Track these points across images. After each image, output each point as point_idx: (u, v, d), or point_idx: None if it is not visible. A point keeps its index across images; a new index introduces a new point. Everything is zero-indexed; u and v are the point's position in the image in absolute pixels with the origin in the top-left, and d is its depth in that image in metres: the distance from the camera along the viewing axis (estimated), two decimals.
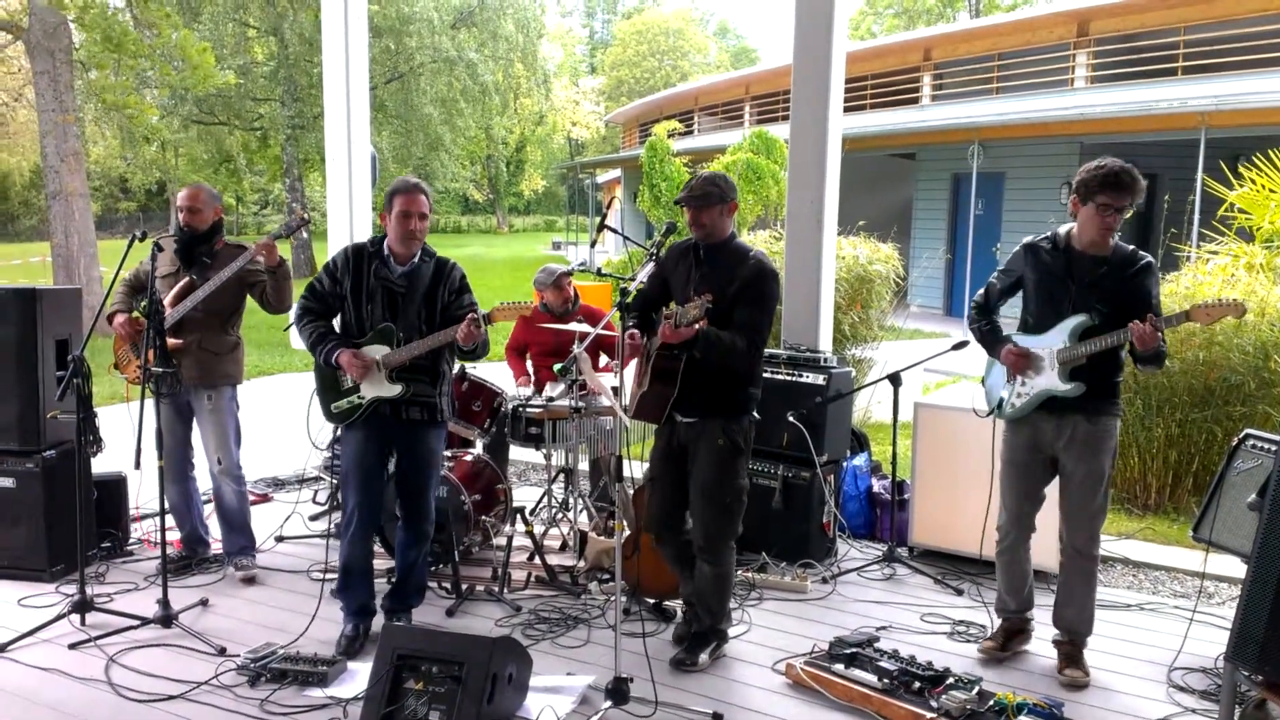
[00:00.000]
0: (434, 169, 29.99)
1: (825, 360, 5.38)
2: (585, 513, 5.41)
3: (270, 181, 34.24)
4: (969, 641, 4.33)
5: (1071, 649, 4.05)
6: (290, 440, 6.76)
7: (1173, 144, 15.91)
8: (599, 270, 5.81)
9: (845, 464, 5.60)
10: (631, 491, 4.55)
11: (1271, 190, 6.93)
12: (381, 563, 4.70)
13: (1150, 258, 3.87)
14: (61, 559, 4.90)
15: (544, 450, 5.50)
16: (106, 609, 4.40)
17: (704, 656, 4.05)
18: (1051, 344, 3.91)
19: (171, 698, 3.73)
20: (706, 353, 3.78)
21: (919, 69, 21.54)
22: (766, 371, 5.30)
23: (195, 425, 5.01)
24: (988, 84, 19.96)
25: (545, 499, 5.75)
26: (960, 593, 4.87)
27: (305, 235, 27.23)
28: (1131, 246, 3.91)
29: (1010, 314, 4.16)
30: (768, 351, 5.35)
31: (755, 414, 4.05)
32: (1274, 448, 3.98)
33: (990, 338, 4.14)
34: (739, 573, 4.90)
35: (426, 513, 4.31)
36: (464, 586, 4.74)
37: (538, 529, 5.26)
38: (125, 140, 27.14)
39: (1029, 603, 4.22)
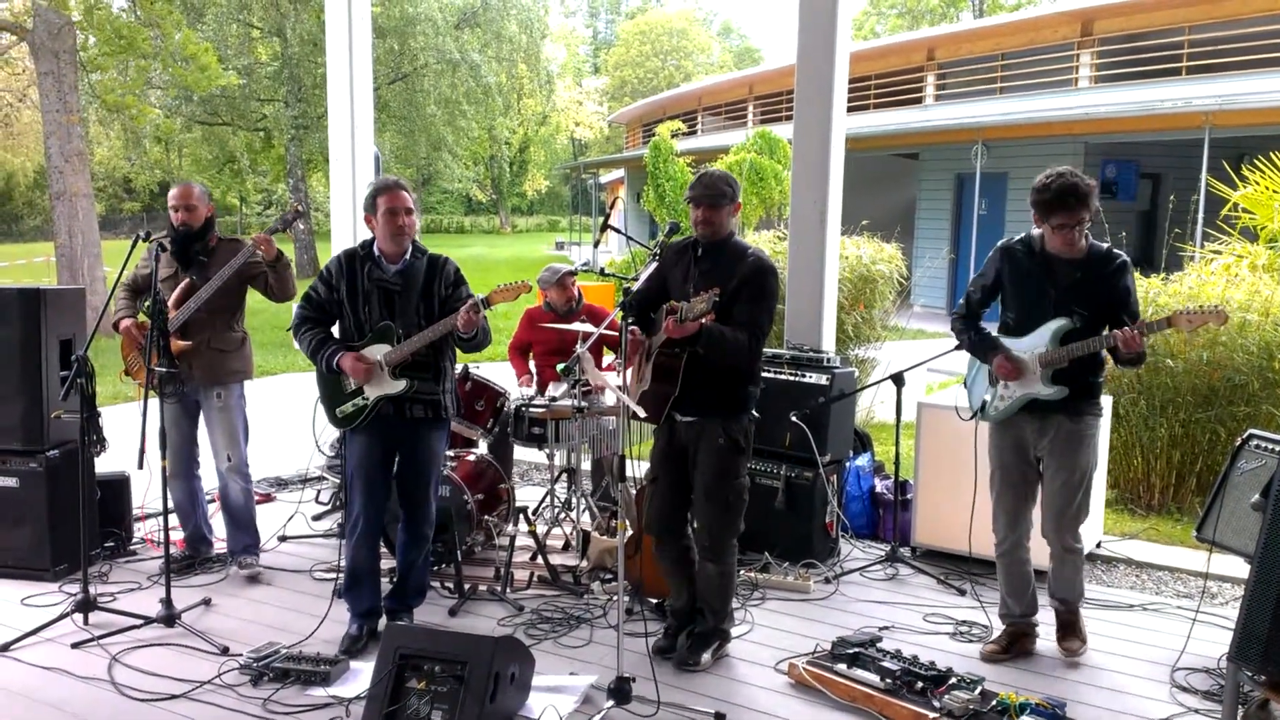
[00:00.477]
0: (437, 169, 30.04)
1: (828, 360, 5.38)
2: (588, 512, 5.42)
3: (274, 182, 34.29)
4: (972, 641, 4.32)
5: (1068, 615, 4.17)
6: (293, 440, 6.77)
7: (1177, 144, 15.92)
8: (602, 270, 5.81)
9: (848, 464, 5.60)
10: (634, 491, 4.55)
11: (1275, 190, 6.92)
12: (386, 562, 4.70)
13: (1125, 256, 3.91)
14: (65, 558, 4.90)
15: (547, 450, 5.50)
16: (109, 608, 4.41)
17: (706, 656, 4.05)
18: (1033, 347, 3.92)
19: (174, 697, 3.73)
20: (710, 348, 3.76)
21: (922, 69, 21.53)
22: (769, 372, 5.31)
23: (202, 423, 5.02)
24: (991, 84, 19.95)
25: (548, 499, 5.75)
26: (963, 593, 4.87)
27: (307, 234, 27.29)
28: (1106, 245, 3.94)
29: (989, 316, 4.18)
30: (771, 351, 5.37)
31: (755, 412, 4.04)
32: (1278, 448, 3.98)
33: (981, 346, 4.12)
34: (742, 573, 4.90)
35: (427, 516, 4.32)
36: (467, 586, 4.74)
37: (540, 529, 5.26)
38: (129, 141, 27.19)
39: (1033, 607, 4.22)
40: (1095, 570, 5.21)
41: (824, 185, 5.62)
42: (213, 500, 5.33)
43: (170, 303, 4.71)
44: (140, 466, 4.17)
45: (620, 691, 3.63)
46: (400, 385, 4.09)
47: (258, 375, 5.70)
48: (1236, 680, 3.38)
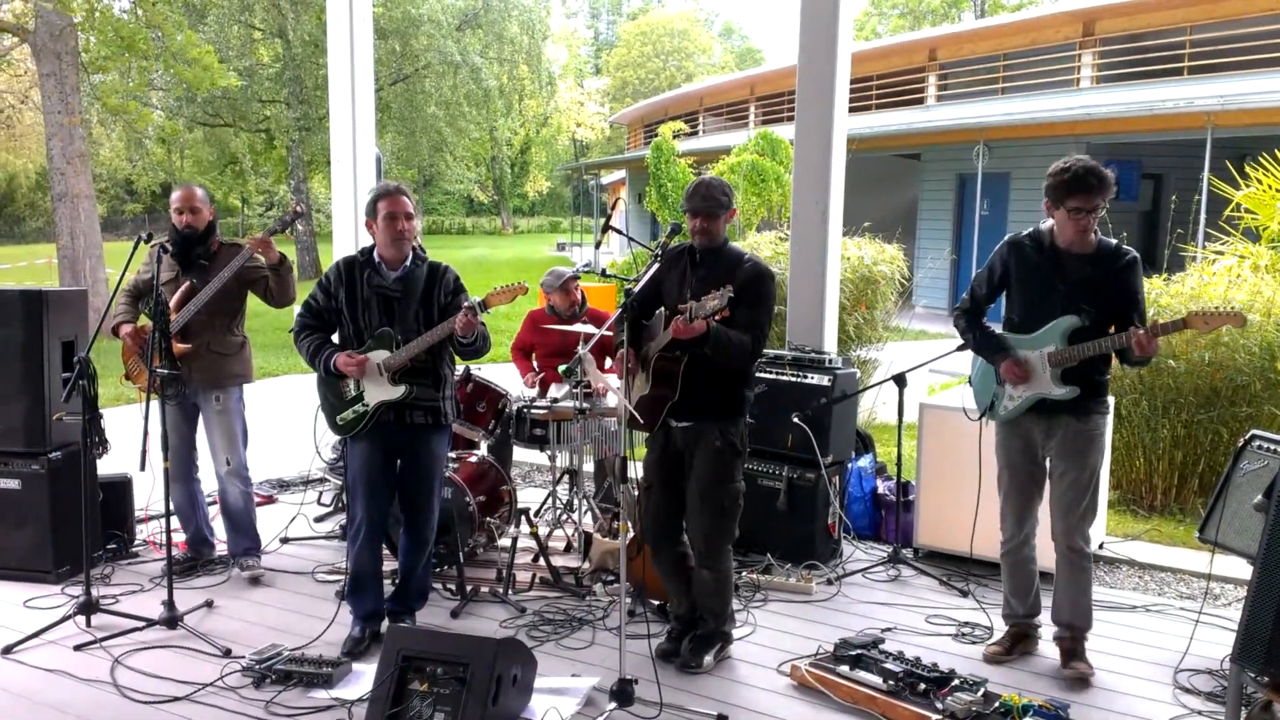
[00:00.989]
0: (439, 170, 30.03)
1: (830, 361, 5.37)
2: (590, 514, 5.41)
3: (275, 183, 34.31)
4: (974, 643, 4.32)
5: (1072, 644, 4.03)
6: (294, 442, 6.77)
7: (1179, 144, 15.89)
8: (603, 271, 5.82)
9: (850, 465, 5.60)
10: (636, 493, 4.54)
11: (1278, 190, 6.92)
12: (388, 564, 4.70)
13: (1134, 253, 3.83)
14: (67, 560, 4.91)
15: (548, 451, 5.50)
16: (112, 610, 4.41)
17: (708, 658, 4.05)
18: (1043, 346, 3.87)
19: (176, 699, 3.73)
20: (717, 350, 3.75)
21: (924, 69, 21.53)
22: (771, 373, 5.31)
23: (200, 426, 5.02)
24: (993, 84, 19.94)
25: (550, 500, 5.75)
26: (965, 594, 4.86)
27: (308, 235, 27.29)
28: (1115, 241, 3.86)
29: (993, 313, 4.14)
30: (772, 352, 5.38)
31: (749, 418, 4.03)
32: None
33: (988, 346, 4.04)
34: (743, 574, 4.90)
35: (429, 521, 4.32)
36: (469, 588, 4.74)
37: (542, 530, 5.26)
38: (131, 142, 27.20)
39: (1036, 608, 4.20)
40: (1098, 571, 5.19)
41: (825, 186, 5.62)
42: (213, 503, 5.33)
43: (171, 305, 4.71)
44: (142, 468, 4.18)
45: (622, 693, 3.63)
46: (399, 391, 4.09)
47: (259, 377, 5.70)
48: (1239, 681, 3.37)
